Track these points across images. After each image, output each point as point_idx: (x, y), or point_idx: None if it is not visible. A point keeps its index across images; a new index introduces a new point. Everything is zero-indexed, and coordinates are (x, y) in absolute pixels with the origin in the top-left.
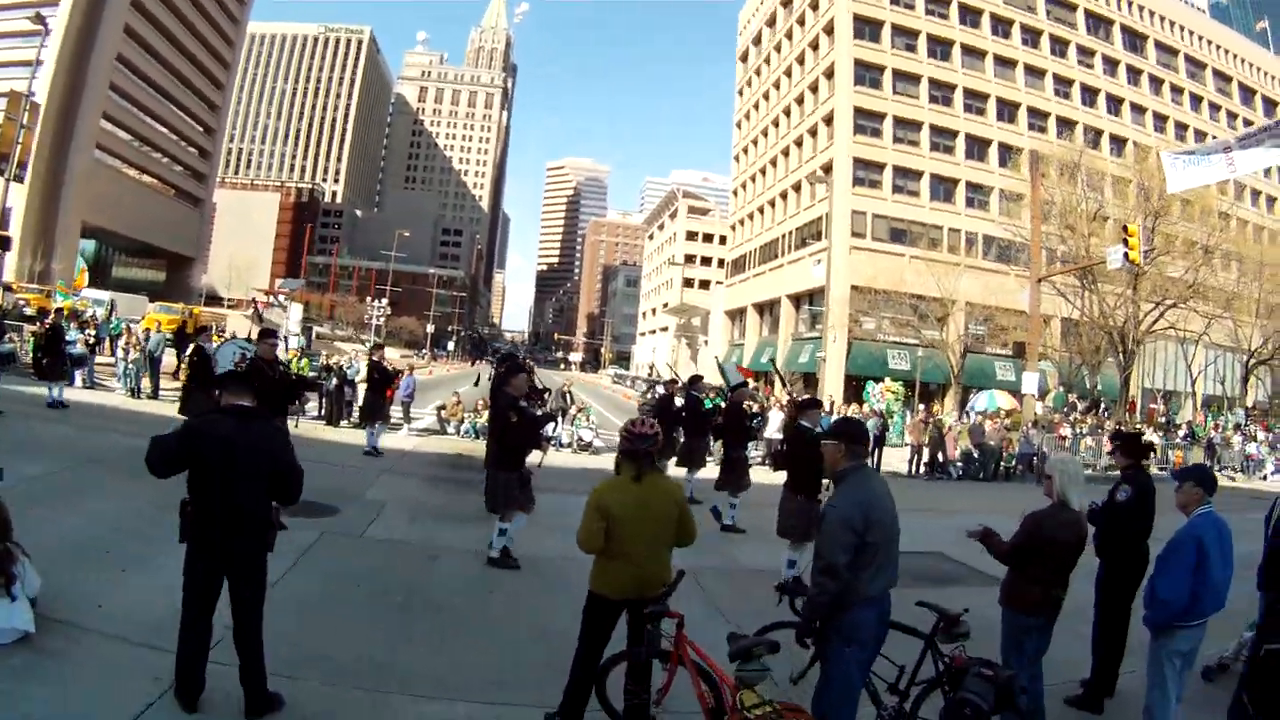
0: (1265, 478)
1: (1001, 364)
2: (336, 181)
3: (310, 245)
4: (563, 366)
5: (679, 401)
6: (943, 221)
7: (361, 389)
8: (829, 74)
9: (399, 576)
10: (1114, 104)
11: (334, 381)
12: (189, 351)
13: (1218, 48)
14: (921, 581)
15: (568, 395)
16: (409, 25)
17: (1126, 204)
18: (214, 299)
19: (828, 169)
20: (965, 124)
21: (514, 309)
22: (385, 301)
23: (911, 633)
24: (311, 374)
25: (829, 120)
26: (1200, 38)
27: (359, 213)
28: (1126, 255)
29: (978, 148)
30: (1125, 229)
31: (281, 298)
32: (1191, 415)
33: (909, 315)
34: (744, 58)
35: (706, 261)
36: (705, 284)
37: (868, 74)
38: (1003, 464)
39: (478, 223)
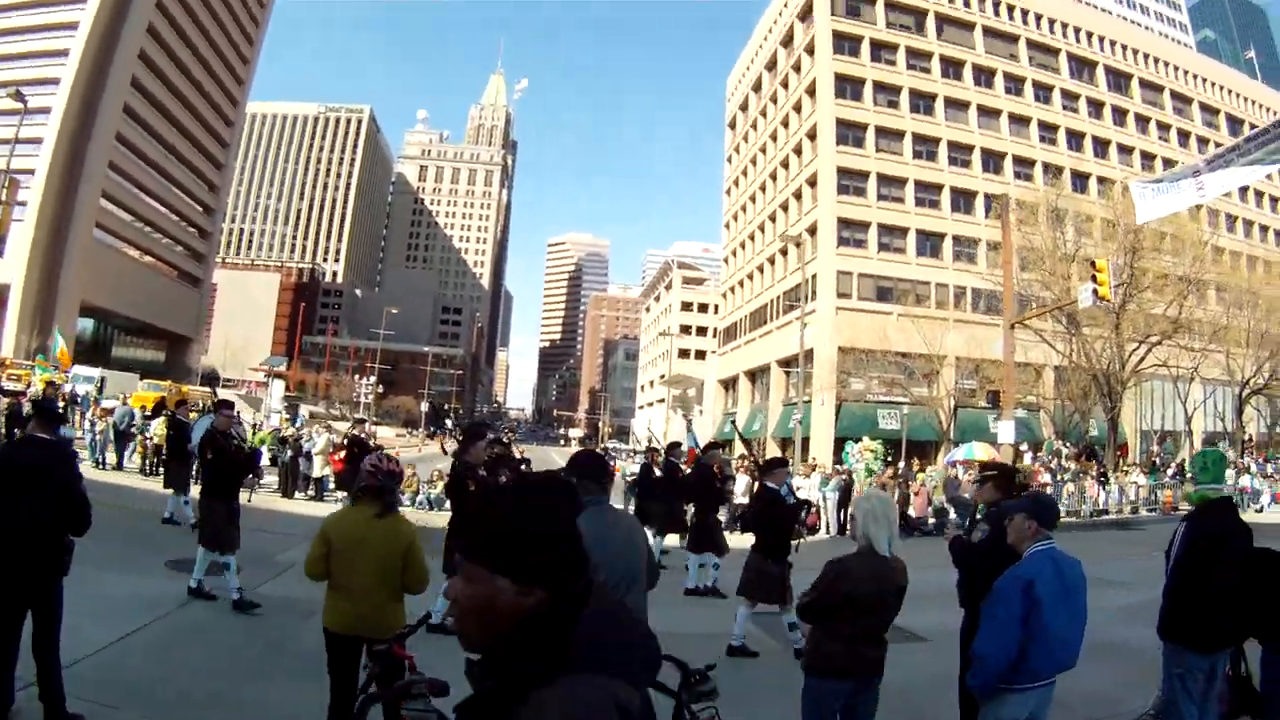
0: (1261, 509)
1: (994, 416)
2: (337, 261)
3: (309, 325)
4: (563, 443)
5: (658, 472)
6: (930, 277)
7: (318, 461)
8: (812, 135)
9: (267, 629)
10: (1100, 147)
11: (289, 454)
12: (158, 423)
13: (1204, 81)
14: None
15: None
16: (410, 104)
17: (1112, 245)
18: (212, 379)
19: (813, 231)
20: (950, 177)
21: (519, 386)
22: (373, 380)
23: (661, 689)
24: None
25: (813, 182)
26: (1185, 72)
27: (358, 292)
28: (1095, 292)
29: (963, 200)
30: (1094, 264)
31: (261, 375)
32: (1188, 454)
33: (897, 374)
34: (732, 124)
35: (702, 331)
36: (701, 354)
37: (851, 133)
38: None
39: (478, 300)
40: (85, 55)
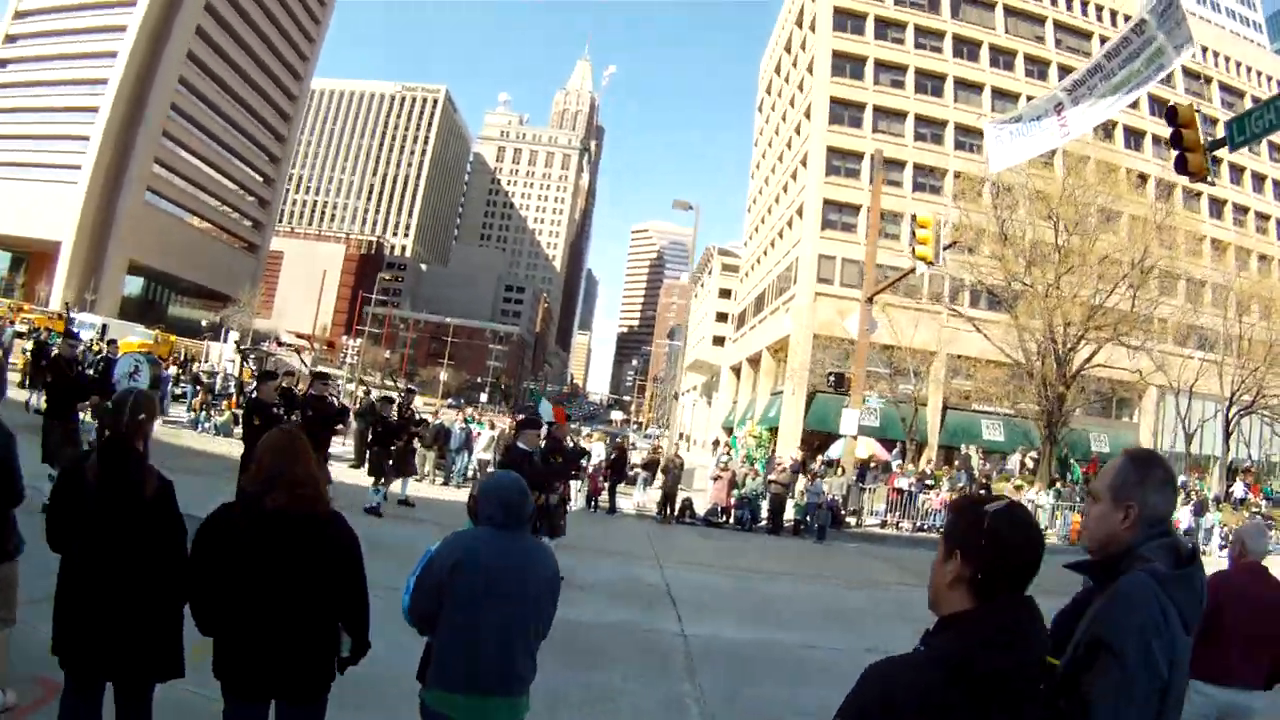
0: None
1: (989, 421)
2: (406, 236)
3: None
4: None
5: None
6: (921, 266)
7: None
8: (809, 114)
9: None
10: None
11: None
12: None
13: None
14: None
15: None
16: (493, 87)
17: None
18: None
19: (801, 213)
20: (955, 162)
21: (603, 369)
22: (361, 340)
23: None
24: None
25: (805, 162)
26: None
27: (423, 266)
28: (914, 251)
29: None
30: (914, 219)
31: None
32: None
33: (878, 367)
34: (760, 108)
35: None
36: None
37: (847, 112)
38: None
39: (548, 281)
40: (141, 32)
